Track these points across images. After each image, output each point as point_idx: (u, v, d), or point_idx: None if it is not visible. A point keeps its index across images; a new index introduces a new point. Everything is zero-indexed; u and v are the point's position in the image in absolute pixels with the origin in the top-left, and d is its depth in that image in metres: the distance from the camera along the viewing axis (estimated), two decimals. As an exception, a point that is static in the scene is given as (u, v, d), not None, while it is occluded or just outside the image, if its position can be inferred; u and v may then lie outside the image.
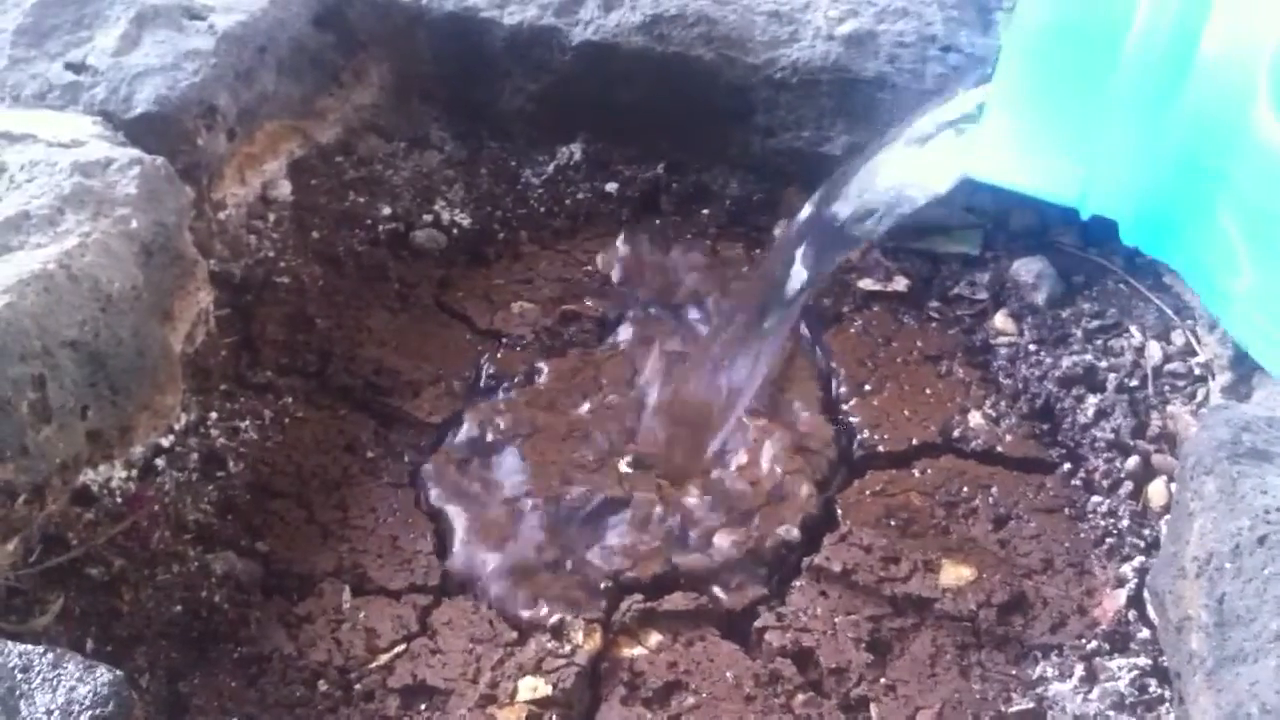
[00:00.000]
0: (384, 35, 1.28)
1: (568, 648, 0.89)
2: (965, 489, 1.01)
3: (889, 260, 1.20)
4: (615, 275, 1.20)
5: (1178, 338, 1.09)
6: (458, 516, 0.99)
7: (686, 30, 1.21)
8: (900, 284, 1.18)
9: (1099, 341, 1.10)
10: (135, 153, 0.97)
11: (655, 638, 0.91)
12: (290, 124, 1.21)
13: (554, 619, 0.90)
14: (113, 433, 0.91)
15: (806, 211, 0.90)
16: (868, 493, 1.01)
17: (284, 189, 1.18)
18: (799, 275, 0.90)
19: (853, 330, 1.15)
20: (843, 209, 0.84)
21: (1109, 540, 0.96)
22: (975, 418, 1.06)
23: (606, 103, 1.25)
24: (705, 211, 1.25)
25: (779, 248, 0.94)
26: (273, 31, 1.16)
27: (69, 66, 1.06)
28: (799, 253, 0.89)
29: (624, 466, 1.02)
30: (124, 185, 0.94)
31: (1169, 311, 1.10)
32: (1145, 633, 0.89)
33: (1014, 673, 0.89)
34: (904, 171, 0.79)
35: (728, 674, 0.88)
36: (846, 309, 1.16)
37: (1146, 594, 0.90)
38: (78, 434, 0.87)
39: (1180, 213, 0.64)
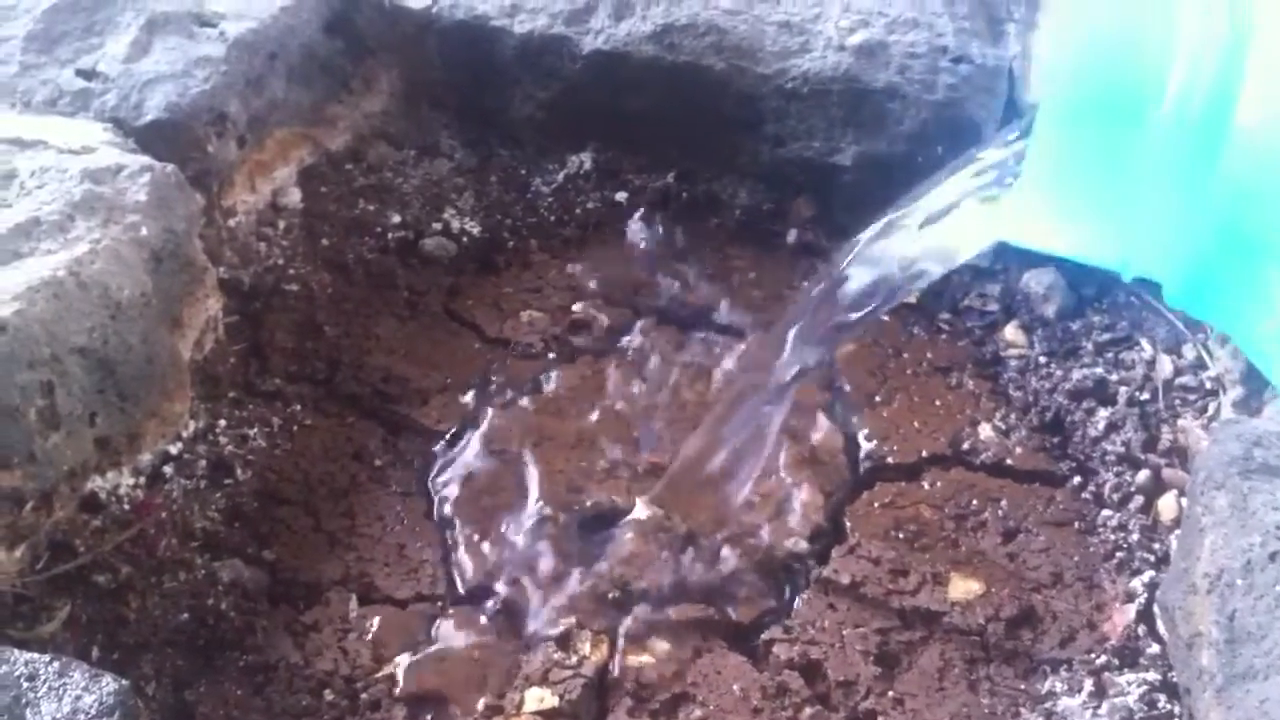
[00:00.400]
0: (394, 42, 1.28)
1: (575, 658, 0.88)
2: (975, 502, 1.01)
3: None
4: (624, 283, 1.20)
5: (1189, 351, 1.08)
6: (465, 525, 0.98)
7: (697, 40, 1.20)
8: (910, 295, 1.18)
9: (1110, 354, 1.10)
10: (145, 160, 0.97)
11: (662, 649, 0.90)
12: (300, 131, 1.21)
13: (561, 629, 0.90)
14: (121, 440, 0.91)
15: (822, 282, 0.90)
16: (876, 505, 1.00)
17: (294, 196, 1.18)
18: (812, 351, 0.90)
19: (862, 341, 1.14)
20: (860, 281, 0.84)
21: (1119, 554, 0.96)
22: (985, 430, 1.06)
23: (617, 111, 1.24)
24: (715, 220, 1.25)
25: (794, 316, 0.93)
26: (283, 38, 1.16)
27: (80, 73, 1.06)
28: (814, 324, 0.89)
29: (642, 509, 0.99)
30: (134, 192, 0.94)
31: (1180, 325, 1.10)
32: (1155, 648, 0.88)
33: (1023, 687, 0.88)
34: (925, 241, 0.79)
35: (735, 686, 0.88)
36: (856, 320, 1.16)
37: (1156, 609, 0.89)
38: (86, 441, 0.87)
39: (1225, 277, 0.64)
